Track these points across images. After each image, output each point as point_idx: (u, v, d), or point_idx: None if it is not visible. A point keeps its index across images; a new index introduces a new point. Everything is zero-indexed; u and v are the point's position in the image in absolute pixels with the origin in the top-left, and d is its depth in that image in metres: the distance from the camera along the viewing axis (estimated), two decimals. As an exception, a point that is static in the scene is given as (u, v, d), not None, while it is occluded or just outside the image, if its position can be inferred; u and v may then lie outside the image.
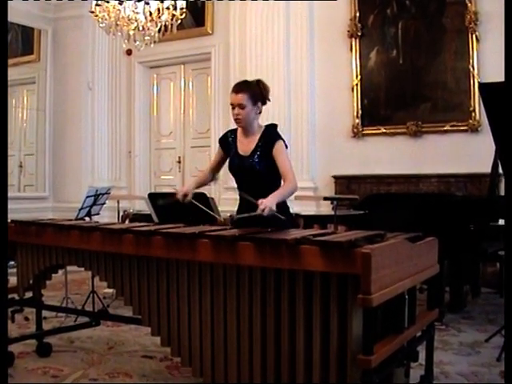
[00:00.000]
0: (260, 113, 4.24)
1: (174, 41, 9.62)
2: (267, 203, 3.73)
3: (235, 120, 4.20)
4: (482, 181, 7.56)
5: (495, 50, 7.55)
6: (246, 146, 4.24)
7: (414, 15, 8.40)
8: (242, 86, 4.19)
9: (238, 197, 4.31)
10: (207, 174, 4.51)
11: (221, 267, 3.20)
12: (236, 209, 4.34)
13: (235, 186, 4.34)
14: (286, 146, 4.22)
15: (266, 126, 4.28)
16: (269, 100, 4.26)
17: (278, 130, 4.33)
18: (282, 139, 4.19)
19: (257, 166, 4.15)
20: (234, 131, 4.36)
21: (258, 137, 4.20)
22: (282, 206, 4.02)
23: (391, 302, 2.98)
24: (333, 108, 8.95)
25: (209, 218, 4.14)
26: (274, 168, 4.12)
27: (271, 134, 4.21)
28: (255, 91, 4.16)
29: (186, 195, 4.24)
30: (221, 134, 4.51)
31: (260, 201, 3.74)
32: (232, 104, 4.18)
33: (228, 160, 4.37)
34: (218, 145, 4.47)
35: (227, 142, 4.36)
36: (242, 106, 4.12)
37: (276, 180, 4.15)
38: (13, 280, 4.62)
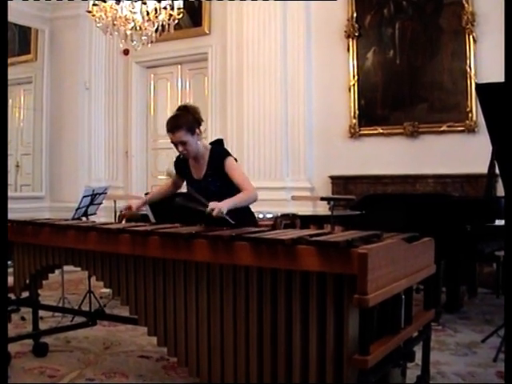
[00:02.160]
0: (200, 134, 4.25)
1: (171, 41, 9.62)
2: (218, 205, 3.80)
3: (183, 156, 4.27)
4: (479, 181, 7.57)
5: (492, 51, 7.57)
6: (198, 170, 4.29)
7: (411, 16, 8.41)
8: (175, 123, 4.18)
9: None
10: (169, 189, 4.63)
11: (217, 267, 3.21)
12: None
13: None
14: (236, 160, 4.26)
15: (212, 145, 4.33)
16: (202, 120, 4.30)
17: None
18: (230, 154, 4.23)
19: (212, 188, 4.17)
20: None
21: (206, 159, 4.24)
22: (242, 211, 4.08)
23: (388, 302, 2.98)
24: (330, 108, 8.95)
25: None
26: (228, 185, 4.15)
27: (219, 154, 4.23)
28: (188, 121, 4.17)
29: (129, 208, 4.43)
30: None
31: (212, 203, 3.81)
32: (173, 143, 4.19)
33: (185, 184, 4.42)
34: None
35: (180, 167, 4.44)
36: (183, 143, 4.14)
37: (234, 195, 4.19)
38: (9, 280, 4.61)
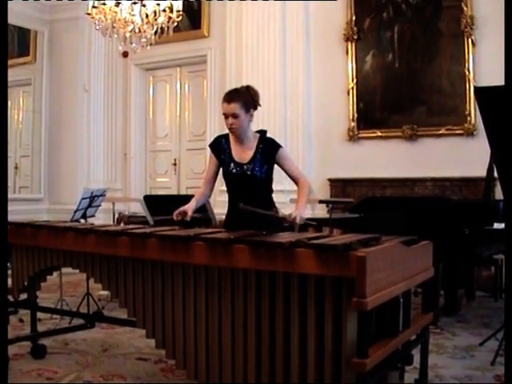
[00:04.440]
0: (252, 119, 4.26)
1: (171, 43, 9.60)
2: (299, 213, 3.95)
3: (230, 129, 4.21)
4: (477, 184, 7.58)
5: (491, 54, 7.58)
6: (242, 153, 4.24)
7: (410, 19, 8.41)
8: (233, 95, 4.17)
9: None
10: (205, 190, 4.42)
11: (216, 270, 3.21)
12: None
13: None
14: None
15: (261, 134, 4.31)
16: (259, 105, 4.28)
17: (271, 133, 4.37)
18: (282, 146, 4.25)
19: (256, 174, 4.18)
20: (225, 136, 4.35)
21: (255, 144, 4.23)
22: (269, 204, 4.14)
23: (386, 306, 2.98)
24: (328, 111, 8.95)
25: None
26: (269, 175, 4.23)
27: (270, 142, 4.26)
28: (247, 98, 4.17)
29: (185, 213, 4.11)
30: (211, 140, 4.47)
31: (291, 214, 3.93)
32: (225, 114, 4.17)
33: (223, 168, 4.33)
34: (209, 151, 4.42)
35: (220, 147, 4.33)
36: (235, 116, 4.12)
37: (269, 186, 4.29)
38: (8, 281, 4.61)
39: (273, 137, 4.33)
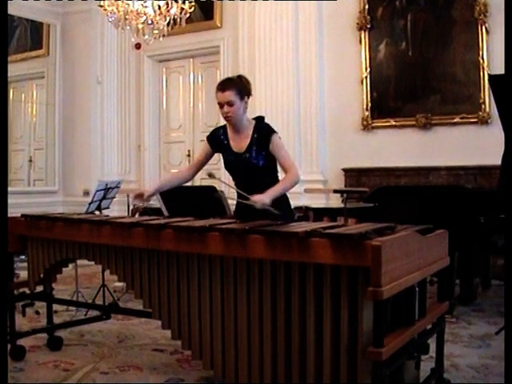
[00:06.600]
0: (247, 108, 4.25)
1: (183, 34, 9.61)
2: (261, 197, 3.81)
3: (226, 118, 4.22)
4: (492, 173, 7.53)
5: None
6: (239, 142, 4.26)
7: (423, 7, 8.36)
8: (226, 84, 4.20)
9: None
10: (184, 172, 4.59)
11: (231, 260, 3.21)
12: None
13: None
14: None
15: (256, 120, 4.32)
16: (251, 94, 4.30)
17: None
18: (276, 132, 4.23)
19: (254, 162, 4.19)
20: (223, 128, 4.38)
21: (250, 132, 4.23)
22: (281, 199, 4.07)
23: (402, 295, 2.98)
24: (342, 101, 8.92)
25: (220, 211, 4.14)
26: (270, 162, 4.19)
27: (264, 129, 4.24)
28: (240, 86, 4.19)
29: (141, 196, 4.29)
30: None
31: (255, 196, 3.81)
32: (220, 103, 4.18)
33: (222, 158, 4.39)
34: (205, 141, 4.47)
35: (217, 139, 4.37)
36: (230, 104, 4.13)
37: (273, 173, 4.26)
38: (24, 274, 4.64)
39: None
